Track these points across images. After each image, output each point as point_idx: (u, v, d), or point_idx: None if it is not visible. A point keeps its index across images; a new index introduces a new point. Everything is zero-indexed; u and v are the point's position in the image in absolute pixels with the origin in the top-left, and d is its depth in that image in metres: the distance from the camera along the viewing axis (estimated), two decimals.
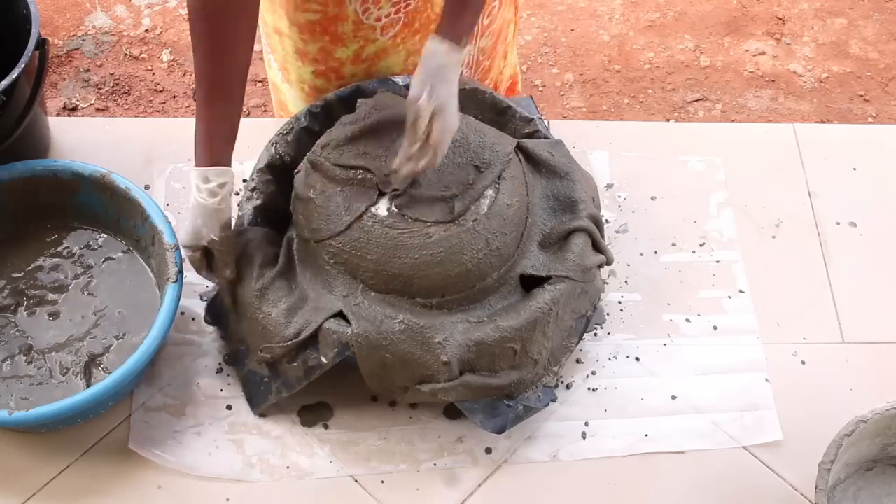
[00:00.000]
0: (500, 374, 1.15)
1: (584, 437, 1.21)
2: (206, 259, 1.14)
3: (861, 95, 1.76)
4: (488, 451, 1.19)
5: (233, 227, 1.24)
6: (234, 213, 1.32)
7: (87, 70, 1.66)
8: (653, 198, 1.40)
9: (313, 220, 1.16)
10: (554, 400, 1.21)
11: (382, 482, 1.16)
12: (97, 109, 1.62)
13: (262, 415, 1.19)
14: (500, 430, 1.15)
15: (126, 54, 1.69)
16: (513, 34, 1.43)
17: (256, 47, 1.11)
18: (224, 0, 1.01)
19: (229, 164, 1.11)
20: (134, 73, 1.66)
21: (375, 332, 1.10)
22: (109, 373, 1.16)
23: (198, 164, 1.09)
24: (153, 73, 1.67)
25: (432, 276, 1.13)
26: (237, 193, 1.34)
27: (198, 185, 1.09)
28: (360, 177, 1.15)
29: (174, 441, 1.17)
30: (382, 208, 1.13)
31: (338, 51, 1.24)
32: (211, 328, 1.24)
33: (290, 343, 1.11)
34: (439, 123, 1.06)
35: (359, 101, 1.23)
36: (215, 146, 1.09)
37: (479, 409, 1.14)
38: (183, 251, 1.15)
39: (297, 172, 1.20)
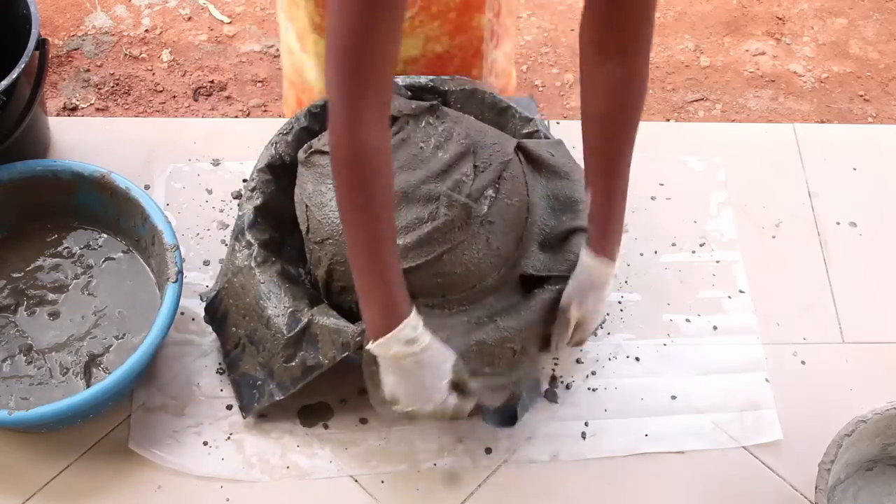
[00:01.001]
0: (501, 374, 1.14)
1: (584, 437, 1.21)
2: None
3: (861, 95, 1.76)
4: (488, 451, 1.19)
5: (233, 227, 1.23)
6: (234, 213, 1.33)
7: (87, 70, 1.66)
8: (653, 198, 1.40)
9: (311, 220, 1.16)
10: (555, 401, 1.21)
11: (382, 482, 1.16)
12: (97, 109, 1.61)
13: (262, 415, 1.19)
14: (512, 423, 1.15)
15: (126, 54, 1.69)
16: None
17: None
18: (370, 160, 0.90)
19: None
20: (134, 73, 1.66)
21: None
22: (109, 373, 1.16)
23: (396, 325, 0.95)
24: (153, 73, 1.67)
25: (432, 276, 1.13)
26: (238, 196, 1.36)
27: (411, 341, 0.95)
28: None
29: (174, 441, 1.17)
30: None
31: None
32: (210, 328, 1.23)
33: (289, 335, 1.11)
34: (580, 331, 1.13)
35: None
36: (402, 291, 0.96)
37: (487, 409, 1.14)
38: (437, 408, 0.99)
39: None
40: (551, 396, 1.23)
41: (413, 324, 0.98)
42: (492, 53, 1.34)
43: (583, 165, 1.09)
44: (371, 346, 0.99)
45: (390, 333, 0.96)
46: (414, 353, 0.98)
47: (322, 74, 1.32)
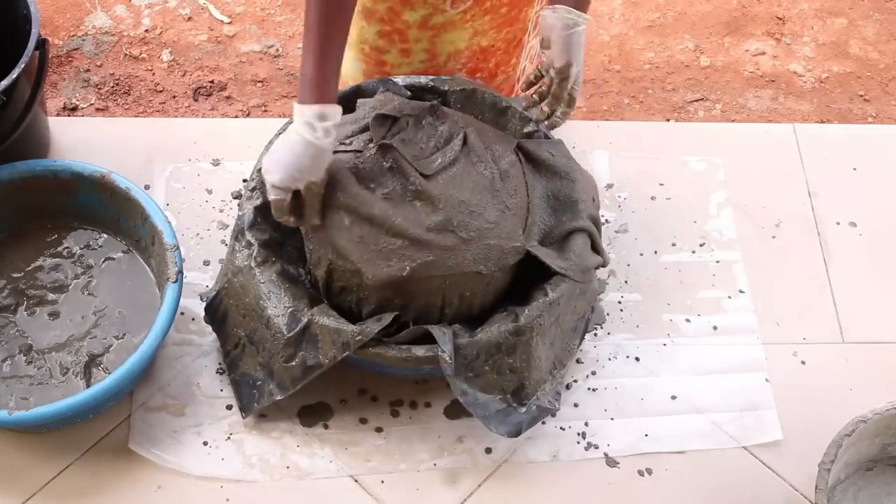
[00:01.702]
0: (503, 375, 1.14)
1: (583, 437, 1.21)
2: (293, 203, 1.08)
3: (861, 95, 1.75)
4: (488, 451, 1.19)
5: (233, 227, 1.23)
6: (234, 213, 1.32)
7: (87, 70, 1.65)
8: (653, 198, 1.40)
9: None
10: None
11: (382, 482, 1.16)
12: (97, 109, 1.61)
13: (262, 415, 1.19)
14: (516, 434, 1.14)
15: (126, 54, 1.67)
16: None
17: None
18: None
19: (337, 104, 1.08)
20: (134, 73, 1.65)
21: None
22: (109, 373, 1.16)
23: (311, 101, 1.05)
24: (153, 73, 1.66)
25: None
26: (238, 196, 1.36)
27: (310, 124, 1.04)
28: None
29: (174, 441, 1.17)
30: None
31: (406, 13, 1.22)
32: (211, 328, 1.23)
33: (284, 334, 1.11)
34: (578, 85, 1.15)
35: (359, 101, 1.22)
36: (331, 84, 1.06)
37: (491, 416, 1.13)
38: (272, 192, 1.07)
39: None
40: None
41: (321, 113, 1.05)
42: (531, 41, 1.34)
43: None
44: (303, 107, 1.05)
45: (303, 104, 1.05)
46: (301, 138, 1.05)
47: (361, 62, 1.32)
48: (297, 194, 1.08)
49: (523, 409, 1.15)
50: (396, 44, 1.27)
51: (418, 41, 1.26)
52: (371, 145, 1.13)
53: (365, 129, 1.16)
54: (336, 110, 1.06)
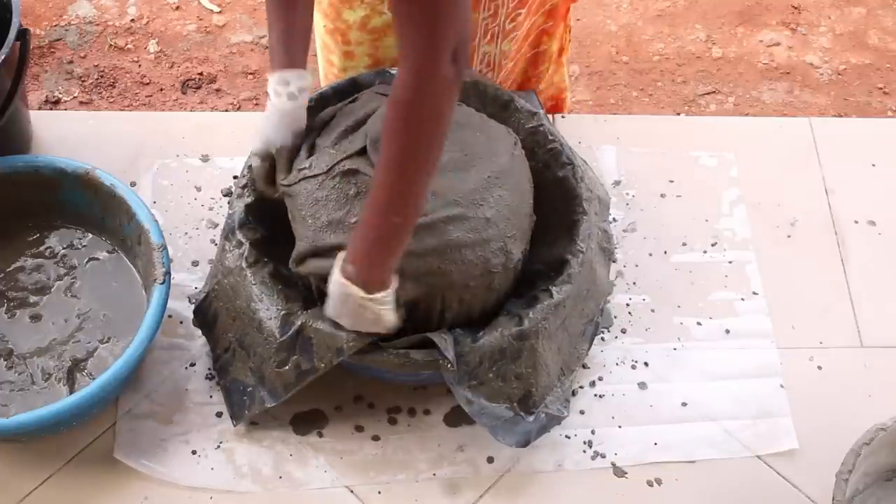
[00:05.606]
0: (509, 382, 1.12)
1: (590, 446, 1.19)
2: (270, 171, 1.13)
3: (880, 88, 1.75)
4: (490, 460, 1.17)
5: (223, 226, 1.21)
6: (224, 211, 1.30)
7: (71, 61, 1.65)
8: (662, 195, 1.38)
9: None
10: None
11: (379, 493, 1.15)
12: (81, 103, 1.61)
13: (253, 422, 1.17)
14: (525, 444, 1.13)
15: (111, 45, 1.68)
16: (556, 49, 1.37)
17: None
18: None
19: (305, 68, 1.11)
20: (119, 64, 1.65)
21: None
22: (94, 378, 1.14)
23: (275, 69, 1.09)
24: (139, 65, 1.66)
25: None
26: (228, 194, 1.34)
27: (276, 90, 1.08)
28: None
29: (161, 450, 1.15)
30: None
31: (346, 12, 1.22)
32: (200, 332, 1.21)
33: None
34: None
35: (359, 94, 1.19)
36: (293, 49, 1.09)
37: (498, 425, 1.12)
38: (252, 160, 1.14)
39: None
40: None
41: (283, 78, 1.09)
42: (483, 47, 1.32)
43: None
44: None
45: (269, 73, 1.09)
46: (270, 104, 1.10)
47: (320, 51, 1.30)
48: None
49: (531, 418, 1.13)
50: (339, 43, 1.26)
51: (360, 44, 1.25)
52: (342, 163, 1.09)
53: (358, 126, 1.13)
54: (299, 73, 1.08)
